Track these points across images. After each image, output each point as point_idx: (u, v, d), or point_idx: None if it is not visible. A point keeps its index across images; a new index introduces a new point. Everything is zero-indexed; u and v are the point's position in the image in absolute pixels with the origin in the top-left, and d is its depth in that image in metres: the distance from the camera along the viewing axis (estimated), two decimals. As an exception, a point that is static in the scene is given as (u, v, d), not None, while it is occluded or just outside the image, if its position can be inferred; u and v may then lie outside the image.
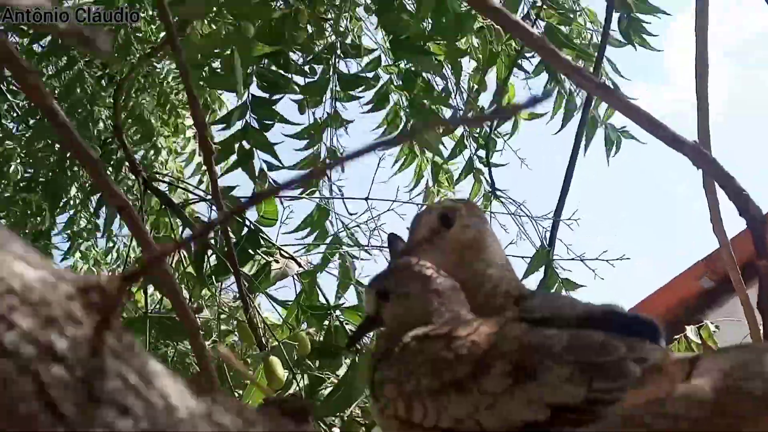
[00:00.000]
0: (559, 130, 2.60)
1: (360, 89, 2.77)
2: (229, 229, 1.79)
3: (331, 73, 2.65)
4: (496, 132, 3.03)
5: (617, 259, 2.15)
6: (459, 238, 0.97)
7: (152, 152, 3.18)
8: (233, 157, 2.34)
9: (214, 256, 2.02)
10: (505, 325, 0.77)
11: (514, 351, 0.73)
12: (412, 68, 2.77)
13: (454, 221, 0.98)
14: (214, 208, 1.98)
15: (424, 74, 2.80)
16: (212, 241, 1.98)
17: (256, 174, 2.22)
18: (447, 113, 3.00)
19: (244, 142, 2.26)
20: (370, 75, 2.78)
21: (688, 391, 0.57)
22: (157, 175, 2.28)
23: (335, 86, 2.71)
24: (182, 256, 2.08)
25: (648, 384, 0.62)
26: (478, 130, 3.02)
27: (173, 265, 2.13)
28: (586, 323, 0.75)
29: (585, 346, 0.71)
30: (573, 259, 2.18)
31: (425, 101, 2.80)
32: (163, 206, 2.10)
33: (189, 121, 3.20)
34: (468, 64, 2.94)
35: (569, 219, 2.13)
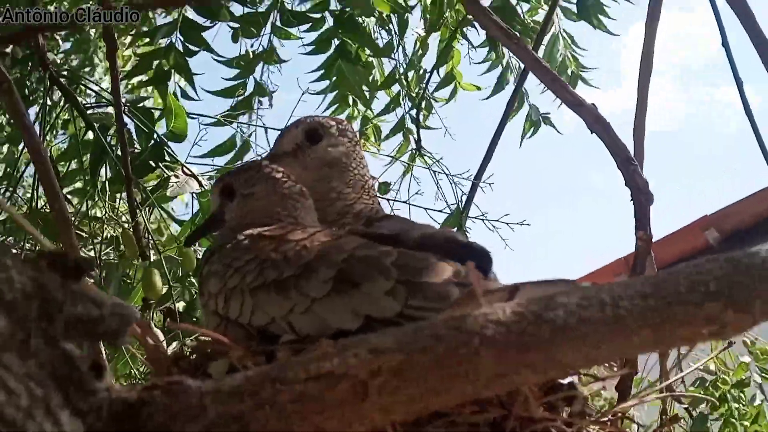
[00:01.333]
0: (487, 98, 2.59)
1: (304, 28, 2.69)
2: (125, 136, 1.73)
3: (275, 7, 2.58)
4: (432, 95, 2.99)
5: (518, 223, 2.18)
6: (323, 156, 0.95)
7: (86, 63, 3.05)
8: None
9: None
10: (341, 237, 0.75)
11: (343, 260, 0.71)
12: (357, 16, 2.71)
13: (321, 138, 0.95)
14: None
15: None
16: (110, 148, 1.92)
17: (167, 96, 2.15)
18: (387, 67, 2.95)
19: (164, 62, 2.18)
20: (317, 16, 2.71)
21: (487, 311, 0.55)
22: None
23: (276, 21, 2.63)
24: (82, 163, 2.01)
25: (462, 306, 0.61)
26: (415, 91, 2.98)
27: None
28: (425, 246, 0.73)
29: (412, 265, 0.69)
30: (482, 219, 2.19)
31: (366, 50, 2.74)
32: (67, 104, 2.01)
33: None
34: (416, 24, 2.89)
35: (484, 182, 2.13)
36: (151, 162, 1.95)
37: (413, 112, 2.97)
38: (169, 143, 2.07)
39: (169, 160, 2.04)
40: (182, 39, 2.30)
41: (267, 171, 0.87)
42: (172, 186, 1.93)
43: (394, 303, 0.67)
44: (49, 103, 2.09)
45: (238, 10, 2.47)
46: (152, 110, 2.15)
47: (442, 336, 0.53)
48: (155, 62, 2.21)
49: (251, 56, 2.55)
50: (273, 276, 0.73)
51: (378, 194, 0.99)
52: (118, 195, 2.02)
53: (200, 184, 1.97)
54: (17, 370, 0.43)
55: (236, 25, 2.48)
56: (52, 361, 0.46)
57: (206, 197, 1.95)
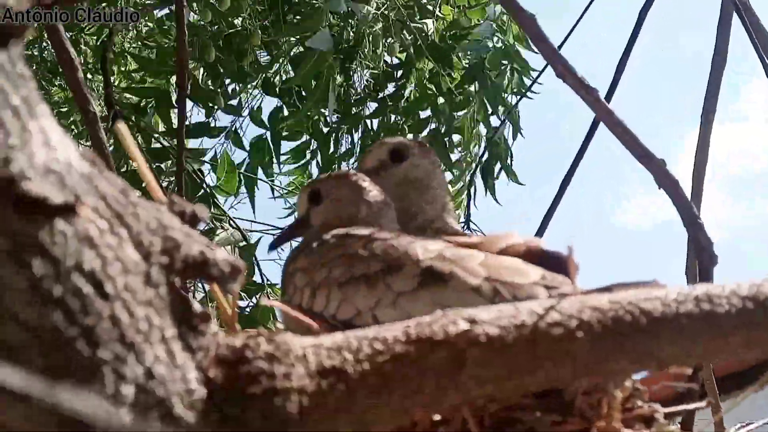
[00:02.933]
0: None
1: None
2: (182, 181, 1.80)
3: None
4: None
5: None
6: (406, 174, 0.99)
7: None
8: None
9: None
10: (429, 239, 0.77)
11: (430, 258, 0.72)
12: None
13: (405, 157, 0.99)
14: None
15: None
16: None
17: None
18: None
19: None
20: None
21: (584, 297, 0.56)
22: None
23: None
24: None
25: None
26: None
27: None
28: (509, 254, 0.74)
29: (499, 265, 0.71)
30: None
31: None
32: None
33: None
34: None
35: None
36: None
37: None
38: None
39: (215, 211, 2.12)
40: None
41: (354, 179, 0.91)
42: (218, 237, 1.98)
43: (481, 300, 0.68)
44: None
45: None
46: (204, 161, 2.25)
47: (539, 314, 0.54)
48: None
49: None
50: (361, 270, 0.75)
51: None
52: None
53: (244, 238, 2.03)
54: (140, 296, 0.46)
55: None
56: (170, 296, 0.48)
57: (246, 250, 2.02)
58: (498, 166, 2.70)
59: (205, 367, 0.48)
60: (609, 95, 2.17)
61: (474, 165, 2.76)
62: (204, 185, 2.19)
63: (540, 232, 2.43)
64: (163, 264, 0.48)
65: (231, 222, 2.30)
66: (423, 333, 0.52)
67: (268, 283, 2.25)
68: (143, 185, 0.58)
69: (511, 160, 2.70)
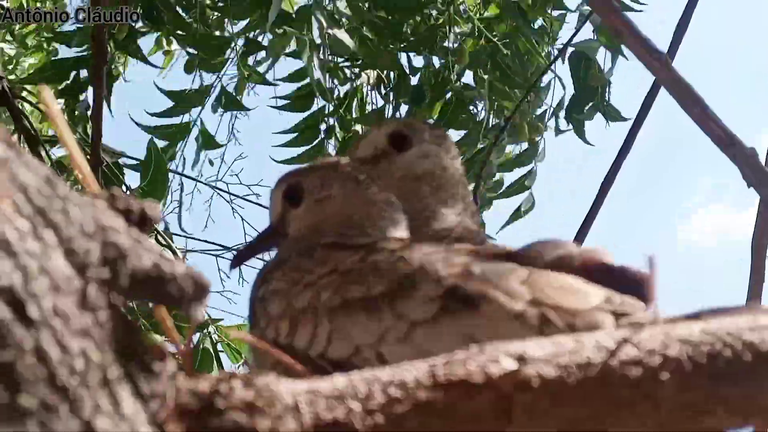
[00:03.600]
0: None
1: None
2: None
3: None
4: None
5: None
6: (412, 167, 0.97)
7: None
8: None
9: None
10: (451, 250, 0.77)
11: (455, 275, 0.72)
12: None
13: (411, 144, 0.98)
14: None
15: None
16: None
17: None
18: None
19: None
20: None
21: (669, 328, 0.57)
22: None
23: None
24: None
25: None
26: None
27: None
28: (563, 269, 0.74)
29: (549, 285, 0.71)
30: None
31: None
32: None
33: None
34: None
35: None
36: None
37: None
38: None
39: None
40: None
41: (346, 170, 0.89)
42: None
43: (525, 330, 0.68)
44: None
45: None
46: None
47: (609, 349, 0.54)
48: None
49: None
50: (359, 292, 0.74)
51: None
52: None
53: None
54: (75, 324, 0.45)
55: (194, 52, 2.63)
56: (113, 323, 0.47)
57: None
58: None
59: (161, 419, 0.47)
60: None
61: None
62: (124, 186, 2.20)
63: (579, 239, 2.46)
64: (104, 279, 0.47)
65: (159, 236, 2.31)
66: (455, 374, 0.52)
67: (210, 318, 2.25)
68: (73, 175, 0.58)
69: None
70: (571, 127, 2.79)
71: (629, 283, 0.73)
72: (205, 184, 2.81)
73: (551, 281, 0.72)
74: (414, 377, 0.52)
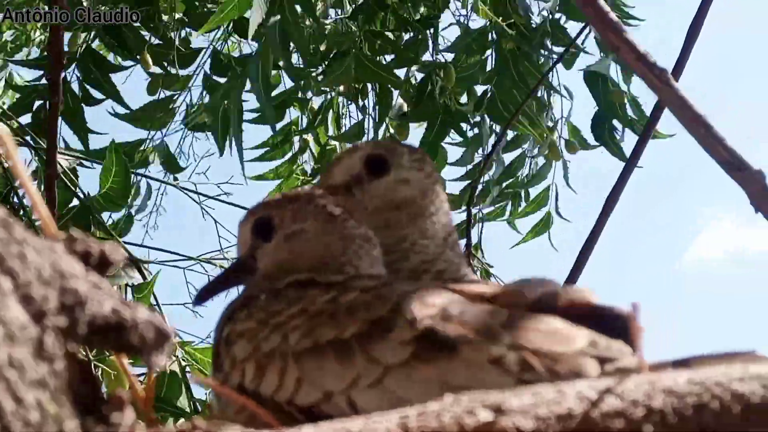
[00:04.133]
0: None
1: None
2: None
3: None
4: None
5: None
6: (391, 194, 0.96)
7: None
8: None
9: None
10: (427, 288, 0.77)
11: (430, 316, 0.72)
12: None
13: (389, 169, 0.97)
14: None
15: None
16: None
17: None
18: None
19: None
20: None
21: (653, 378, 0.57)
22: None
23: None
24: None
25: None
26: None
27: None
28: (545, 309, 0.74)
29: (530, 328, 0.71)
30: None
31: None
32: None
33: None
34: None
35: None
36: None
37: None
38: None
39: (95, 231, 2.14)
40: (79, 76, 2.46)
41: (321, 202, 0.89)
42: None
43: (504, 377, 0.68)
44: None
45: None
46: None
47: (591, 400, 0.54)
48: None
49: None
50: (330, 335, 0.74)
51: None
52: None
53: (140, 272, 2.03)
54: (30, 375, 0.46)
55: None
56: (70, 373, 0.47)
57: (142, 292, 2.02)
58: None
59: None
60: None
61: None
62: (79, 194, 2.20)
63: (572, 277, 2.46)
64: (61, 327, 0.48)
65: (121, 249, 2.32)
66: (428, 426, 0.52)
67: (179, 341, 2.23)
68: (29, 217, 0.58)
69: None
70: (599, 143, 2.80)
71: (616, 325, 0.73)
72: (172, 185, 2.78)
73: (533, 323, 0.72)
74: (386, 429, 0.52)
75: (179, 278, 2.59)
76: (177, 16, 2.58)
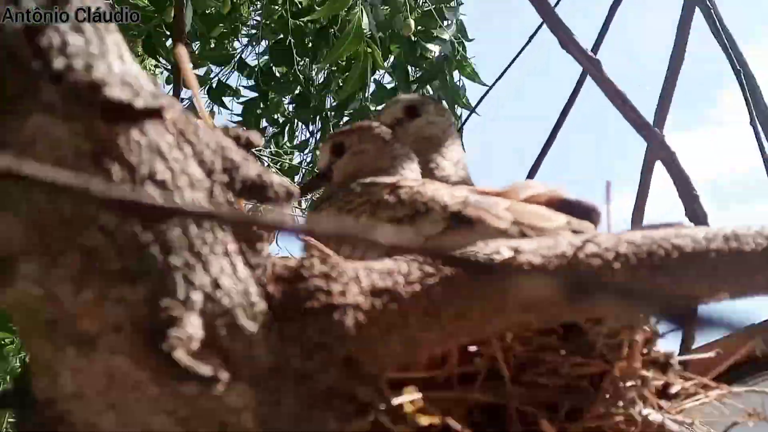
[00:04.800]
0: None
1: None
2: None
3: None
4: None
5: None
6: (421, 131, 1.03)
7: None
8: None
9: None
10: (455, 187, 0.81)
11: (457, 203, 0.77)
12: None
13: (420, 113, 1.04)
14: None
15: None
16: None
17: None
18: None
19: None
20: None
21: (620, 234, 0.61)
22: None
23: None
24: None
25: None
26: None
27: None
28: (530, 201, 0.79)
29: (524, 211, 0.75)
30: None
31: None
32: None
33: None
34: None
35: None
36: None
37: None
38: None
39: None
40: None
41: (377, 131, 0.96)
42: None
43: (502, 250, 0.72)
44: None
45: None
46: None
47: (577, 246, 0.59)
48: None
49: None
50: (387, 215, 0.79)
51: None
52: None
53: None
54: (205, 210, 0.49)
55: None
56: (231, 213, 0.51)
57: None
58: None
59: (264, 283, 0.51)
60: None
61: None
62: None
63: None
64: (224, 182, 0.51)
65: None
66: (471, 255, 0.56)
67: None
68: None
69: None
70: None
71: (583, 212, 0.78)
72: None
73: (526, 209, 0.77)
74: (443, 261, 0.56)
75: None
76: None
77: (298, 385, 0.51)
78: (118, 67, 0.47)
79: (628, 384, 0.74)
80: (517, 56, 2.20)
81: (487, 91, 2.18)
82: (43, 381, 0.49)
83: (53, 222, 0.44)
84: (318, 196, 0.98)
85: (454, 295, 0.55)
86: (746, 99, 2.03)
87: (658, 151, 1.41)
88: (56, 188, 0.33)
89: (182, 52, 0.57)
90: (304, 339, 0.51)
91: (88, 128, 0.44)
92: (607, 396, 0.73)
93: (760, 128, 1.98)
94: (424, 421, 0.55)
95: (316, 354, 0.51)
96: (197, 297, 0.47)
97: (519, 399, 0.70)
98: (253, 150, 0.56)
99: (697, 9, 1.76)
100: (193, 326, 0.46)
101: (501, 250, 0.57)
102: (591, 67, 1.36)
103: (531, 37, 1.76)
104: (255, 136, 0.56)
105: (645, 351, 0.76)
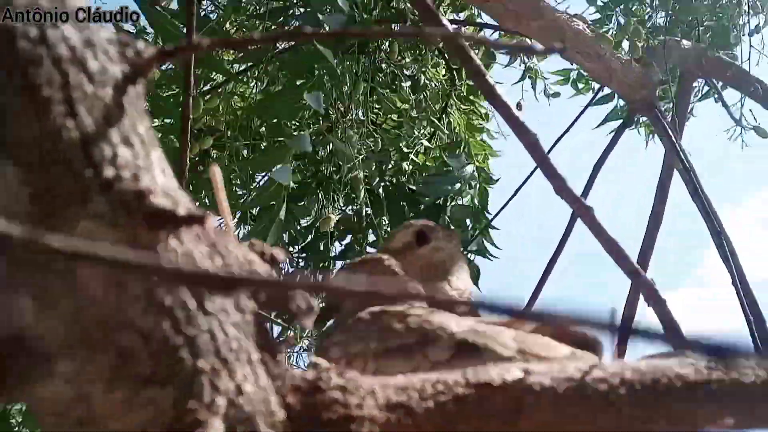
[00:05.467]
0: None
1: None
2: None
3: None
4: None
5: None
6: (429, 257, 1.06)
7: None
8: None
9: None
10: (462, 317, 0.84)
11: (464, 332, 0.79)
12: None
13: (429, 240, 1.07)
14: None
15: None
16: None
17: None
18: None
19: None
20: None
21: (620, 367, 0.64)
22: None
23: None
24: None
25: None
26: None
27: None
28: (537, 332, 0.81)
29: (530, 341, 0.77)
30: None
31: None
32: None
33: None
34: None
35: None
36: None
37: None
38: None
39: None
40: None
41: (387, 264, 0.99)
42: None
43: (511, 374, 0.74)
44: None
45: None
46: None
47: (584, 371, 0.61)
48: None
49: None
50: (396, 342, 0.81)
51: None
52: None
53: None
54: (232, 318, 0.52)
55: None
56: (254, 323, 0.54)
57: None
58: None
59: (284, 393, 0.53)
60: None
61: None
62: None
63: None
64: (249, 294, 0.54)
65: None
66: (481, 378, 0.58)
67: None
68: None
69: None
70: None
71: (587, 344, 0.80)
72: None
73: (532, 339, 0.79)
74: (453, 379, 0.58)
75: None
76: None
77: (314, 496, 0.51)
78: (161, 179, 0.50)
79: None
80: (508, 201, 2.28)
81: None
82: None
83: (93, 322, 0.46)
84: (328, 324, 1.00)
85: (468, 412, 0.56)
86: (725, 260, 2.10)
87: (650, 297, 1.44)
88: (129, 267, 0.35)
89: (216, 171, 0.61)
90: (320, 451, 0.52)
91: (130, 235, 0.47)
92: None
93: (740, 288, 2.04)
94: None
95: (333, 465, 0.52)
96: (221, 402, 0.49)
97: None
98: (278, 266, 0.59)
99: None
100: (216, 430, 0.47)
101: (512, 370, 0.59)
102: (585, 214, 1.41)
103: (523, 183, 1.83)
104: (279, 253, 0.59)
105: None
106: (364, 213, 2.75)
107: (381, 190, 2.77)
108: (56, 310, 0.46)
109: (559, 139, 2.24)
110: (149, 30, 2.43)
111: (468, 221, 2.75)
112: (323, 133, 2.64)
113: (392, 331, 0.83)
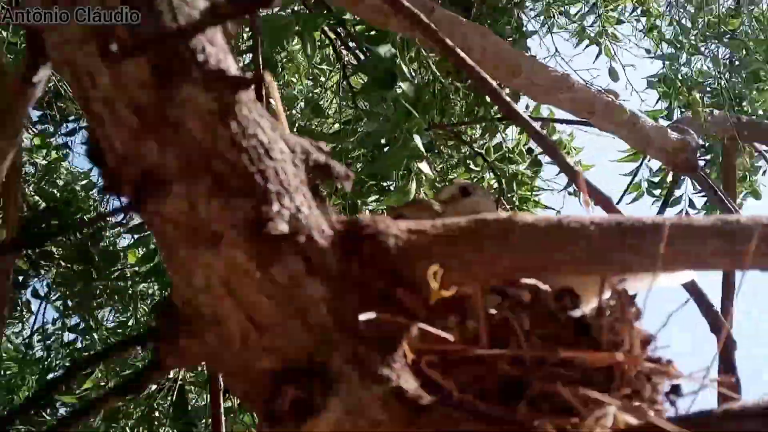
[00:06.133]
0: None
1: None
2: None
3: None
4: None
5: None
6: (472, 207, 1.27)
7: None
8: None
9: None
10: None
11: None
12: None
13: (470, 194, 1.28)
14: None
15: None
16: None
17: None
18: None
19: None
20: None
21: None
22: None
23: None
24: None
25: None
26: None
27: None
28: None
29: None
30: None
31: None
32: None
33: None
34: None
35: None
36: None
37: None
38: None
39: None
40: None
41: (428, 203, 1.20)
42: None
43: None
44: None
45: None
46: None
47: (560, 217, 0.80)
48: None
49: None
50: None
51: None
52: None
53: None
54: (289, 169, 0.73)
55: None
56: (306, 178, 0.75)
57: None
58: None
59: (330, 220, 0.74)
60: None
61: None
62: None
63: None
64: (302, 159, 0.76)
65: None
66: (478, 217, 0.78)
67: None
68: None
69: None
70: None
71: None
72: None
73: None
74: (456, 219, 0.78)
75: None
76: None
77: (358, 287, 0.71)
78: (231, 61, 0.74)
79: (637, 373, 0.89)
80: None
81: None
82: (181, 286, 0.70)
83: (196, 155, 0.69)
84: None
85: (469, 235, 0.76)
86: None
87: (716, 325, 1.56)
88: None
89: (269, 79, 0.84)
90: (360, 255, 0.72)
91: (217, 95, 0.70)
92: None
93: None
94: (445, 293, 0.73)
95: (369, 266, 0.72)
96: (286, 213, 0.70)
97: (542, 377, 0.86)
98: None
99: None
100: (284, 225, 0.68)
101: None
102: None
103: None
104: (323, 145, 0.81)
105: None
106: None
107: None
108: (171, 147, 0.69)
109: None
110: None
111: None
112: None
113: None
